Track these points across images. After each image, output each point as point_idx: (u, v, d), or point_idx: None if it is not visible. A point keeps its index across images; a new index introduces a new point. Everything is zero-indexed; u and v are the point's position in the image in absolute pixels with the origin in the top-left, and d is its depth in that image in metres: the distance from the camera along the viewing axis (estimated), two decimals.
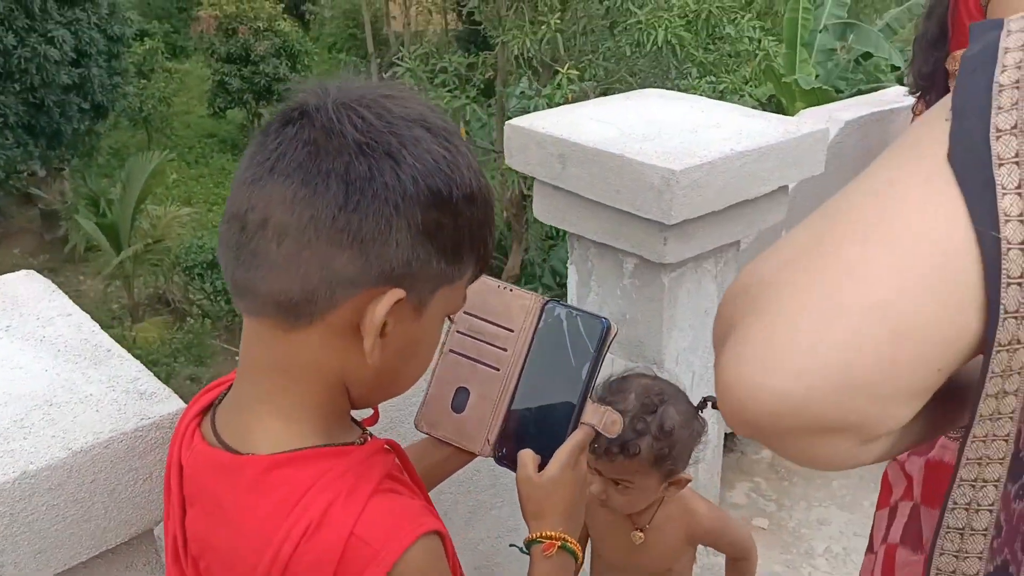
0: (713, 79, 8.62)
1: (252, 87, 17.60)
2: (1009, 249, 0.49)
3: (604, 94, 9.50)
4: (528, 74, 10.26)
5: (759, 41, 8.26)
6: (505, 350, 0.94)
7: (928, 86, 2.19)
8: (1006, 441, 0.55)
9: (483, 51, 12.05)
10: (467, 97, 8.95)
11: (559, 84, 8.26)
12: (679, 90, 8.24)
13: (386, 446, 0.84)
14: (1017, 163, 0.50)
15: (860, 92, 10.69)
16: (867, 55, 11.57)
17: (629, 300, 2.00)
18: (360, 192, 0.69)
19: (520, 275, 10.37)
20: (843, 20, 11.85)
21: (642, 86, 8.93)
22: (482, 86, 10.38)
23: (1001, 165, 0.50)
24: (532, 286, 9.57)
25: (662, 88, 8.87)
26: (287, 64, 17.64)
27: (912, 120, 2.37)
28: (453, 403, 0.95)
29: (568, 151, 1.89)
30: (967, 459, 0.56)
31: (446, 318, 0.83)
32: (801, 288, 0.52)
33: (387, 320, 0.72)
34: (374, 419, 0.89)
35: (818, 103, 10.69)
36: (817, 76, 11.29)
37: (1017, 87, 0.51)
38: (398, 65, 8.99)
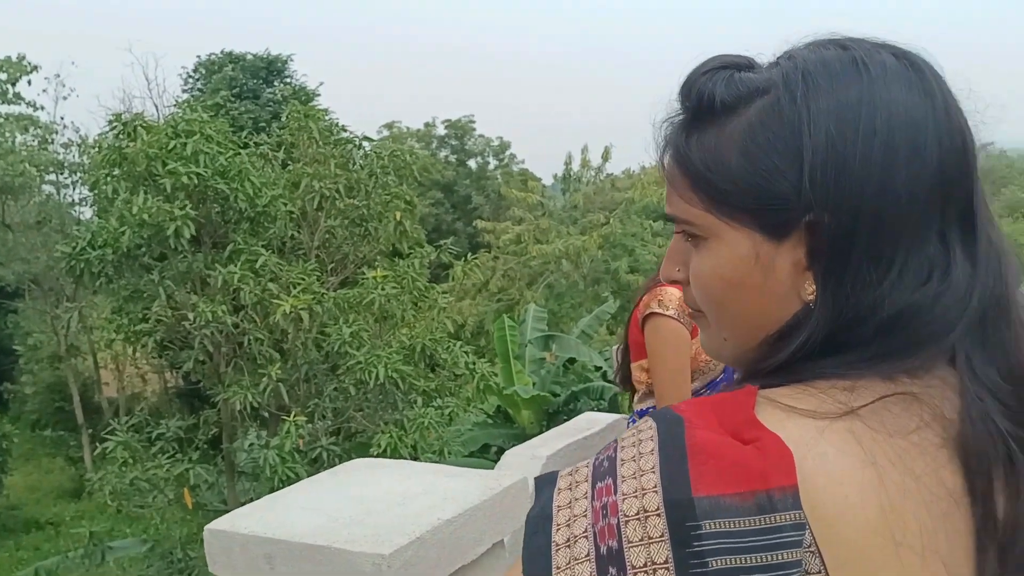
0: (439, 403, 8.97)
1: None
2: None
3: (336, 433, 9.51)
4: (255, 425, 10.04)
5: (473, 363, 8.84)
6: None
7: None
8: None
9: (206, 407, 11.73)
10: (189, 460, 8.48)
11: (288, 431, 8.14)
12: (407, 420, 8.48)
13: None
14: None
15: (574, 393, 11.64)
16: (572, 359, 12.78)
17: None
18: None
19: None
20: (545, 332, 13.15)
21: (370, 420, 9.07)
22: (207, 444, 9.94)
23: None
24: None
25: (394, 418, 8.89)
26: None
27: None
28: None
29: (274, 549, 1.79)
30: None
31: None
32: None
33: None
34: None
35: (539, 408, 11.47)
36: (534, 384, 12.19)
37: (568, 546, 0.57)
38: (108, 439, 8.40)
